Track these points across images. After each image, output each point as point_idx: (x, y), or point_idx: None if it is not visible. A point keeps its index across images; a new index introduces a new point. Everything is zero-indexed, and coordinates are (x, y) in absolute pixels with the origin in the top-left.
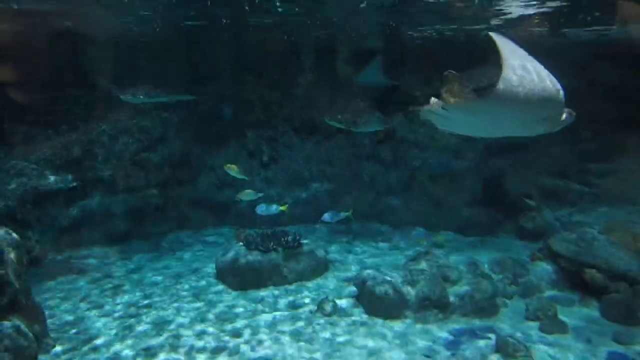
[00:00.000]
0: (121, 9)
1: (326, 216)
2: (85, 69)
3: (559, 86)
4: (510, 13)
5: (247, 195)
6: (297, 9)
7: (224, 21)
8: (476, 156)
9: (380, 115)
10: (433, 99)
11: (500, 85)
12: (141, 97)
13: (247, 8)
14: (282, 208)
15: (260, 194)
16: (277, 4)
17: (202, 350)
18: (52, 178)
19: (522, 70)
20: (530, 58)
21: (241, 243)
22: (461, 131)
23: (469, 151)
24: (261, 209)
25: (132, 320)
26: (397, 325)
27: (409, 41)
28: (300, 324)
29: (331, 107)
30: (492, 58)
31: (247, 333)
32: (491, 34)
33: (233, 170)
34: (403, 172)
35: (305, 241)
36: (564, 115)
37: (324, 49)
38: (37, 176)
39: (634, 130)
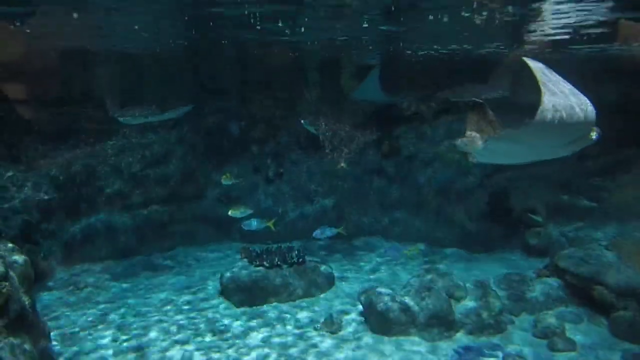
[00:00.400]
0: (127, 33)
1: (317, 232)
2: (90, 86)
3: (591, 107)
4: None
5: (237, 212)
6: (303, 31)
7: (224, 42)
8: (481, 171)
9: (359, 138)
10: (471, 132)
11: (541, 112)
12: (140, 117)
13: (258, 27)
14: (268, 224)
15: (250, 211)
16: (280, 24)
17: None
18: (57, 194)
19: (559, 95)
20: (564, 81)
21: (245, 259)
22: (498, 160)
23: (474, 166)
24: (247, 225)
25: (133, 341)
26: (403, 342)
27: (410, 59)
28: (305, 341)
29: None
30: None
31: (249, 349)
32: (525, 59)
33: (226, 179)
34: (408, 187)
35: (310, 257)
36: (593, 134)
37: (328, 66)
38: (43, 192)
39: None
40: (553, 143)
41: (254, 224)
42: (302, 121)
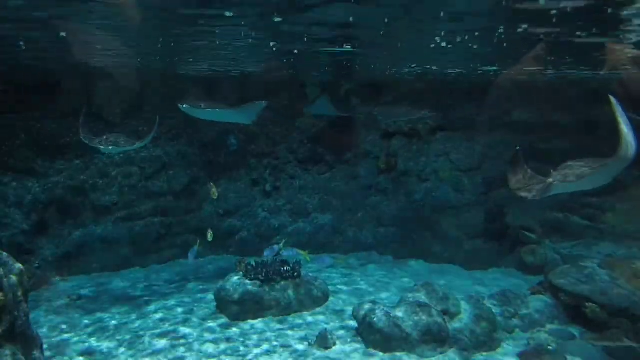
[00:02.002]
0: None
1: (267, 252)
2: (92, 100)
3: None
4: None
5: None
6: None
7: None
8: (477, 189)
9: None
10: (556, 175)
11: (621, 152)
12: (122, 146)
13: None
14: (196, 247)
15: (195, 247)
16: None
17: None
18: (54, 204)
19: (630, 134)
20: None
21: (241, 272)
22: (559, 192)
23: (470, 184)
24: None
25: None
26: (397, 358)
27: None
28: (298, 356)
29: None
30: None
31: None
32: (612, 98)
33: (213, 190)
34: (405, 204)
35: (304, 271)
36: None
37: (327, 83)
38: (40, 203)
39: (635, 167)
40: (614, 175)
41: (191, 255)
42: (182, 106)
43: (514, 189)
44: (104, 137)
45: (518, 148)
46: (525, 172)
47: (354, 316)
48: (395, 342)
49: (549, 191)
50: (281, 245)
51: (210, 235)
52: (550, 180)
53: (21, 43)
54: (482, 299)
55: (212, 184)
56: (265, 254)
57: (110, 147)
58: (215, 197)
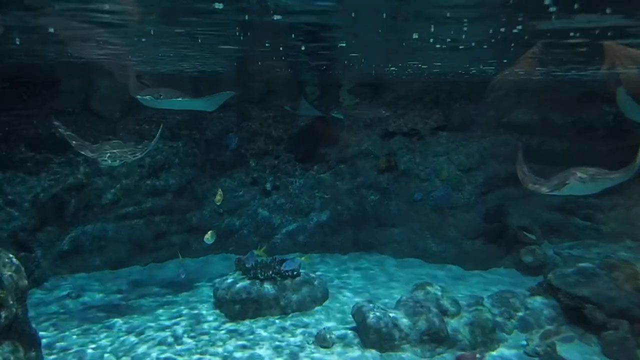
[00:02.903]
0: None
1: (248, 258)
2: (91, 96)
3: None
4: None
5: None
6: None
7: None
8: (477, 189)
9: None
10: (580, 175)
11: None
12: (124, 157)
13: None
14: (180, 258)
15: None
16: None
17: None
18: (54, 202)
19: None
20: None
21: (240, 271)
22: (573, 193)
23: (469, 184)
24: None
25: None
26: (395, 358)
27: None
28: (297, 355)
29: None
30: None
31: None
32: None
33: (219, 196)
34: (404, 204)
35: (303, 270)
36: None
37: (327, 82)
38: (40, 200)
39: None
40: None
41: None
42: (144, 97)
43: (527, 185)
44: (101, 148)
45: (520, 143)
46: (529, 169)
47: (353, 316)
48: (394, 342)
49: (565, 190)
50: (255, 250)
51: (211, 238)
52: (571, 179)
53: (16, 39)
54: (481, 299)
55: (219, 189)
56: (247, 259)
57: (109, 161)
58: (219, 203)
